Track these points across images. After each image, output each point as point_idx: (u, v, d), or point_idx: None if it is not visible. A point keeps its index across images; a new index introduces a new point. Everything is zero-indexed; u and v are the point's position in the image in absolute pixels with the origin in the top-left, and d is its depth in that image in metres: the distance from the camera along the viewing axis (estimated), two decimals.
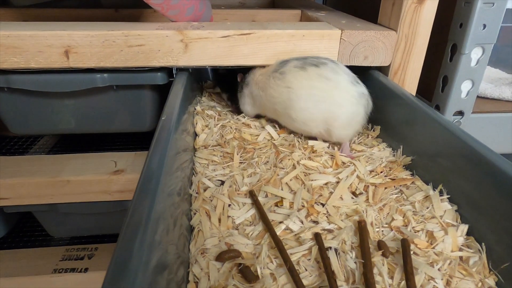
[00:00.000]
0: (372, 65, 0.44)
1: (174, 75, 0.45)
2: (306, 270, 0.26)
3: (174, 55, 0.41)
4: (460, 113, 0.48)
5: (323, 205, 0.32)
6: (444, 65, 0.47)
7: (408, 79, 0.45)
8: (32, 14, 0.56)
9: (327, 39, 0.42)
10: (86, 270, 0.55)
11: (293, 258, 0.26)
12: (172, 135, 0.28)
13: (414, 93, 0.46)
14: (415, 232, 0.29)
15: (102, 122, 0.48)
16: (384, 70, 0.45)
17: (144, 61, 0.41)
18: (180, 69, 0.44)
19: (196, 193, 0.33)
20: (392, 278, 0.25)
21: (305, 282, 0.24)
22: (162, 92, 0.47)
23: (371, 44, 0.42)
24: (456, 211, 0.30)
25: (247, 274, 0.25)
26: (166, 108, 0.33)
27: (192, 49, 0.41)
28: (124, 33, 0.39)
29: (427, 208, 0.31)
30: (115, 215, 0.56)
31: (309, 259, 0.27)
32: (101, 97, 0.45)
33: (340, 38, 0.42)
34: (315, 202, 0.32)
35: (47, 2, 0.59)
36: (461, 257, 0.27)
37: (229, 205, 0.32)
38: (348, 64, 0.43)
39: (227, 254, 0.26)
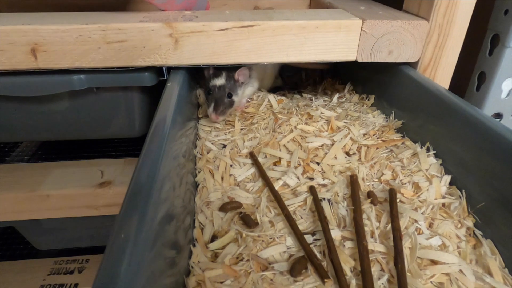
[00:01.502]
0: (397, 61, 0.37)
1: (166, 75, 0.38)
2: (301, 218, 0.28)
3: (163, 52, 0.34)
4: (498, 115, 0.42)
5: (318, 163, 0.34)
6: (481, 59, 0.40)
7: (439, 77, 0.38)
8: (4, 2, 0.50)
9: (345, 31, 0.35)
10: (76, 286, 0.51)
11: (290, 209, 0.28)
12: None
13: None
14: (402, 184, 0.31)
15: (84, 128, 0.42)
16: (410, 66, 0.38)
17: (126, 60, 0.34)
18: (173, 68, 0.37)
19: (200, 154, 0.36)
20: (379, 221, 0.27)
21: (300, 227, 0.26)
22: (152, 91, 0.41)
23: (397, 36, 0.35)
24: (441, 164, 0.32)
25: (248, 221, 0.27)
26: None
27: (184, 45, 0.34)
28: (101, 26, 0.32)
29: (414, 163, 0.33)
30: (107, 226, 0.50)
31: (304, 209, 0.29)
32: (80, 100, 0.39)
33: (361, 30, 0.35)
34: (311, 161, 0.34)
35: None
36: (443, 204, 0.29)
37: (231, 165, 0.34)
38: (369, 61, 0.36)
39: (229, 205, 0.29)
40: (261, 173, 0.32)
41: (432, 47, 0.36)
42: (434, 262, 0.24)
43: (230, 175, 0.33)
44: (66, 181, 0.43)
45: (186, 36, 0.33)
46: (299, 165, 0.33)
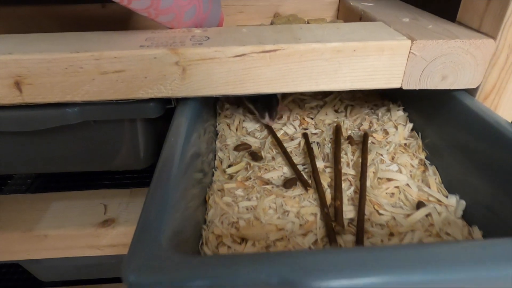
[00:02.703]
0: (451, 88, 0.30)
1: (174, 103, 0.33)
2: (296, 155, 0.36)
3: (168, 83, 0.28)
4: None
5: (312, 118, 0.42)
6: None
7: (503, 106, 0.31)
8: None
9: (389, 54, 0.28)
10: None
11: (287, 149, 0.35)
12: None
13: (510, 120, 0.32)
14: (375, 130, 0.38)
15: (83, 161, 0.37)
16: (468, 93, 0.32)
17: (125, 93, 0.29)
18: None
19: (220, 111, 0.43)
20: (353, 155, 0.35)
21: (295, 161, 0.34)
22: (159, 119, 0.36)
23: (454, 58, 0.28)
24: (407, 116, 0.39)
25: (255, 156, 0.35)
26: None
27: (193, 75, 0.28)
28: (93, 55, 0.27)
29: (387, 116, 0.40)
30: (112, 263, 0.46)
31: (298, 149, 0.37)
32: (78, 132, 0.34)
33: (409, 52, 0.28)
34: (306, 116, 0.42)
35: None
36: (404, 143, 0.36)
37: (244, 120, 0.42)
38: (417, 88, 0.30)
39: (241, 146, 0.37)
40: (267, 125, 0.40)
41: (498, 71, 0.29)
42: (389, 180, 0.32)
43: (243, 127, 0.41)
44: (66, 218, 0.39)
45: (195, 64, 0.28)
46: (297, 119, 0.42)
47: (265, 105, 0.39)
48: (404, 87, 0.30)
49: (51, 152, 0.36)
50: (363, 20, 0.39)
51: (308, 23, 0.45)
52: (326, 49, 0.28)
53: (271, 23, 0.46)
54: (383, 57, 0.28)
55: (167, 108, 0.34)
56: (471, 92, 0.31)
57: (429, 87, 0.30)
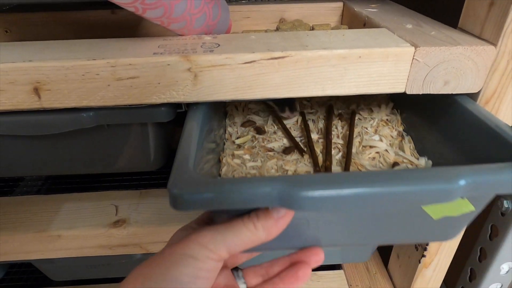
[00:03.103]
0: (453, 93, 0.31)
1: (184, 107, 0.34)
2: (294, 130, 0.41)
3: (180, 88, 0.30)
4: None
5: (308, 101, 0.45)
6: None
7: (504, 110, 0.32)
8: (10, 20, 0.46)
9: (394, 61, 0.29)
10: None
11: (287, 126, 0.41)
12: None
13: (511, 124, 0.33)
14: (361, 109, 0.43)
15: (95, 163, 0.38)
16: (470, 97, 0.33)
17: (139, 98, 0.30)
18: None
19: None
20: (342, 128, 0.40)
21: (293, 134, 0.39)
22: (169, 122, 0.37)
23: (456, 64, 0.29)
24: (388, 95, 0.44)
25: (259, 130, 0.40)
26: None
27: (204, 81, 0.29)
28: (109, 62, 0.28)
29: (372, 97, 0.45)
30: (123, 263, 0.47)
31: (296, 126, 0.41)
32: (91, 136, 0.36)
33: (413, 58, 0.29)
34: (304, 99, 0.45)
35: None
36: (386, 119, 0.41)
37: (249, 102, 0.45)
38: (420, 93, 0.31)
39: (248, 123, 0.41)
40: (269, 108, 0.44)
41: (498, 76, 0.30)
42: (371, 147, 0.37)
43: (249, 108, 0.45)
44: (78, 219, 0.40)
45: (206, 70, 0.29)
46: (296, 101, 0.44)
47: (284, 100, 0.40)
48: (408, 92, 0.31)
49: (65, 154, 0.38)
50: (367, 26, 0.40)
51: (313, 28, 0.46)
52: (333, 56, 0.29)
53: (277, 29, 0.47)
54: (387, 63, 0.29)
55: (178, 112, 0.35)
56: (473, 96, 0.32)
57: (431, 92, 0.31)
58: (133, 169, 0.40)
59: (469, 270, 0.48)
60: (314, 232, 0.26)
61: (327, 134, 0.38)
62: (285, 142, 0.39)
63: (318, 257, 0.26)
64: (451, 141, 0.33)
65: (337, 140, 0.38)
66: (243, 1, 0.51)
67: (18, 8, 0.48)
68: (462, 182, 0.21)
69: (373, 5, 0.45)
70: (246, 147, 0.38)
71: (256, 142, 0.39)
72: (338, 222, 0.26)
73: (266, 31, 0.46)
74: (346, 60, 0.29)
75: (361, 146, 0.37)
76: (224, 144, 0.39)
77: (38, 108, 0.30)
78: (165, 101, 0.30)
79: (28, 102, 0.30)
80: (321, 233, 0.27)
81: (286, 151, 0.36)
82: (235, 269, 0.27)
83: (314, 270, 0.54)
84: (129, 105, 0.31)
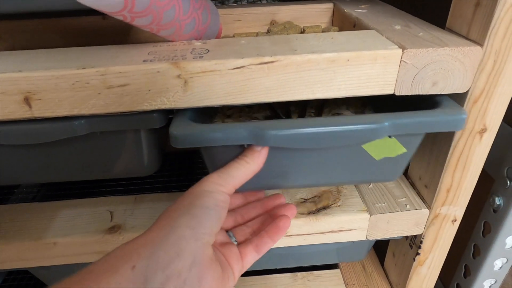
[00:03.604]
0: (442, 93, 0.31)
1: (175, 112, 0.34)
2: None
3: (171, 95, 0.30)
4: None
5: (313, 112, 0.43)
6: None
7: (492, 109, 0.32)
8: (0, 27, 0.46)
9: (382, 63, 0.29)
10: None
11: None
12: None
13: (499, 124, 0.34)
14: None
15: (88, 169, 0.38)
16: (457, 97, 0.33)
17: (130, 105, 0.30)
18: None
19: None
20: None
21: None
22: (163, 127, 0.37)
23: (443, 65, 0.30)
24: None
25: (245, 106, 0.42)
26: None
27: (194, 87, 0.30)
28: (99, 71, 0.28)
29: None
30: None
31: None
32: (83, 143, 0.36)
33: (401, 60, 0.29)
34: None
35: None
36: None
37: None
38: (409, 94, 0.31)
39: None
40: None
41: (486, 76, 0.31)
42: (339, 114, 0.41)
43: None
44: (74, 226, 0.40)
45: (196, 76, 0.29)
46: None
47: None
48: (397, 93, 0.31)
49: (58, 161, 0.38)
50: (357, 27, 0.40)
51: (304, 30, 0.46)
52: (322, 60, 0.29)
53: (268, 31, 0.47)
54: (376, 66, 0.30)
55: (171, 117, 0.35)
56: (461, 95, 0.32)
57: (420, 93, 0.31)
58: (127, 175, 0.40)
59: (463, 267, 0.48)
60: (281, 175, 0.35)
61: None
62: (268, 113, 0.42)
63: (281, 199, 0.36)
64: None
65: (310, 110, 0.42)
66: (234, 4, 0.51)
67: (8, 15, 0.47)
68: (386, 123, 0.29)
69: (363, 6, 0.45)
70: (234, 116, 0.41)
71: (243, 112, 0.42)
72: (300, 164, 0.34)
73: (257, 34, 0.46)
74: (335, 64, 0.29)
75: (330, 114, 0.41)
76: (216, 114, 0.42)
77: (29, 118, 0.30)
78: (156, 107, 0.30)
79: (19, 112, 0.30)
80: (286, 176, 0.35)
81: (267, 118, 0.41)
82: (227, 231, 0.32)
83: (310, 269, 0.55)
84: (120, 112, 0.31)
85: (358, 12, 0.42)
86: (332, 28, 0.45)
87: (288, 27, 0.46)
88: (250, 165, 0.30)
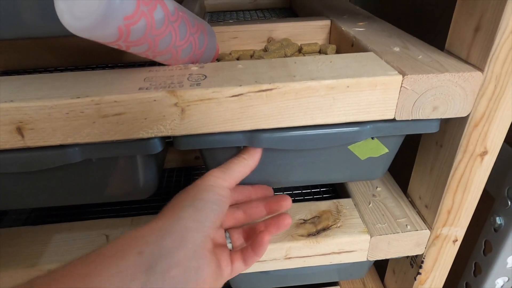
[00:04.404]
0: (443, 117, 0.31)
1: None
2: None
3: (168, 123, 0.29)
4: None
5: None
6: None
7: (493, 132, 0.32)
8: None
9: (382, 89, 0.29)
10: None
11: None
12: None
13: (499, 146, 0.33)
14: None
15: (83, 194, 0.38)
16: (458, 121, 0.33)
17: (126, 133, 0.29)
18: None
19: None
20: None
21: None
22: (160, 152, 0.36)
23: (444, 91, 0.29)
24: None
25: None
26: None
27: (192, 115, 0.29)
28: (94, 100, 0.27)
29: None
30: None
31: None
32: (78, 169, 0.35)
33: (401, 86, 0.29)
34: None
35: None
36: None
37: None
38: (410, 118, 0.31)
39: None
40: None
41: (486, 101, 0.30)
42: None
43: None
44: (68, 251, 0.39)
45: (193, 104, 0.28)
46: None
47: None
48: (397, 118, 0.31)
49: (52, 187, 0.37)
50: (355, 47, 0.40)
51: (301, 48, 0.46)
52: (321, 87, 0.28)
53: (265, 49, 0.47)
54: (375, 92, 0.29)
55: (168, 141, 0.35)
56: (462, 119, 0.32)
57: (421, 117, 0.31)
58: (123, 199, 0.39)
59: (464, 285, 0.48)
60: (274, 172, 0.37)
61: None
62: None
63: (287, 201, 0.36)
64: None
65: None
66: (230, 21, 0.50)
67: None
68: (368, 126, 0.32)
69: (360, 24, 0.45)
70: None
71: None
72: (292, 163, 0.36)
73: (253, 53, 0.45)
74: (334, 90, 0.29)
75: None
76: None
77: (22, 147, 0.29)
78: (152, 135, 0.30)
79: (12, 141, 0.29)
80: (281, 174, 0.37)
81: None
82: (225, 230, 0.33)
83: (310, 286, 0.54)
84: (115, 140, 0.30)
85: (356, 30, 0.42)
86: (329, 46, 0.44)
87: (285, 45, 0.46)
88: (248, 162, 0.32)
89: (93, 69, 0.47)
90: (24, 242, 0.41)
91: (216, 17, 0.73)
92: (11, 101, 0.27)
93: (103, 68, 0.48)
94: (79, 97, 0.27)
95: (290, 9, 0.78)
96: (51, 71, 0.48)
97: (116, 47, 0.27)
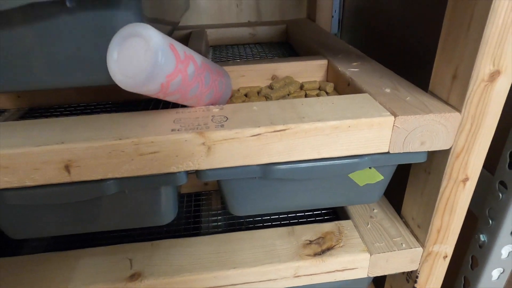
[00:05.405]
0: (429, 150, 0.36)
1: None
2: None
3: (195, 159, 0.34)
4: None
5: None
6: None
7: (472, 161, 0.38)
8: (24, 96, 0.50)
9: (378, 128, 0.34)
10: None
11: None
12: None
13: (478, 173, 0.39)
14: None
15: (109, 222, 0.41)
16: (442, 152, 0.38)
17: (159, 169, 0.34)
18: None
19: None
20: None
21: None
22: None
23: (430, 128, 0.35)
24: None
25: None
26: None
27: (216, 152, 0.34)
28: (134, 141, 0.32)
29: None
30: None
31: None
32: (109, 199, 0.39)
33: (393, 125, 0.34)
34: None
35: None
36: None
37: None
38: (401, 151, 0.36)
39: None
40: None
41: (465, 136, 0.36)
42: None
43: None
44: (96, 275, 0.43)
45: (218, 143, 0.33)
46: None
47: None
48: (391, 152, 0.36)
49: (84, 215, 0.40)
50: (351, 87, 0.46)
51: (302, 85, 0.52)
52: (327, 127, 0.34)
53: (271, 86, 0.52)
54: (372, 130, 0.34)
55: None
56: (445, 151, 0.37)
57: (411, 151, 0.36)
58: (145, 225, 0.43)
59: None
60: (284, 199, 0.42)
61: None
62: None
63: None
64: None
65: None
66: (238, 61, 0.56)
67: None
68: (366, 158, 0.37)
69: (354, 64, 0.51)
70: None
71: None
72: (302, 189, 0.42)
73: (260, 90, 0.51)
74: (338, 129, 0.34)
75: None
76: None
77: (68, 182, 0.34)
78: (182, 170, 0.34)
79: (59, 177, 0.33)
80: (289, 200, 0.43)
81: None
82: None
83: None
84: (149, 175, 0.34)
85: (351, 71, 0.48)
86: (328, 84, 0.50)
87: (288, 83, 0.52)
88: None
89: (105, 104, 0.52)
90: (50, 268, 0.44)
91: (219, 50, 0.79)
92: (62, 142, 0.32)
93: (116, 104, 0.53)
94: (121, 139, 0.32)
95: (287, 43, 0.84)
96: (75, 107, 0.52)
97: (155, 97, 0.32)
